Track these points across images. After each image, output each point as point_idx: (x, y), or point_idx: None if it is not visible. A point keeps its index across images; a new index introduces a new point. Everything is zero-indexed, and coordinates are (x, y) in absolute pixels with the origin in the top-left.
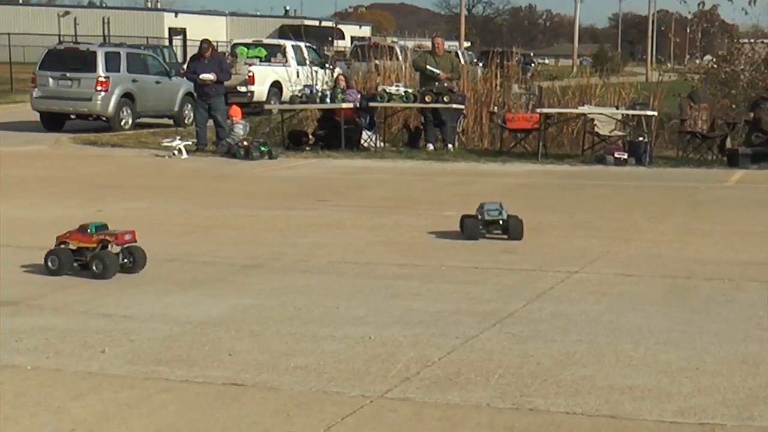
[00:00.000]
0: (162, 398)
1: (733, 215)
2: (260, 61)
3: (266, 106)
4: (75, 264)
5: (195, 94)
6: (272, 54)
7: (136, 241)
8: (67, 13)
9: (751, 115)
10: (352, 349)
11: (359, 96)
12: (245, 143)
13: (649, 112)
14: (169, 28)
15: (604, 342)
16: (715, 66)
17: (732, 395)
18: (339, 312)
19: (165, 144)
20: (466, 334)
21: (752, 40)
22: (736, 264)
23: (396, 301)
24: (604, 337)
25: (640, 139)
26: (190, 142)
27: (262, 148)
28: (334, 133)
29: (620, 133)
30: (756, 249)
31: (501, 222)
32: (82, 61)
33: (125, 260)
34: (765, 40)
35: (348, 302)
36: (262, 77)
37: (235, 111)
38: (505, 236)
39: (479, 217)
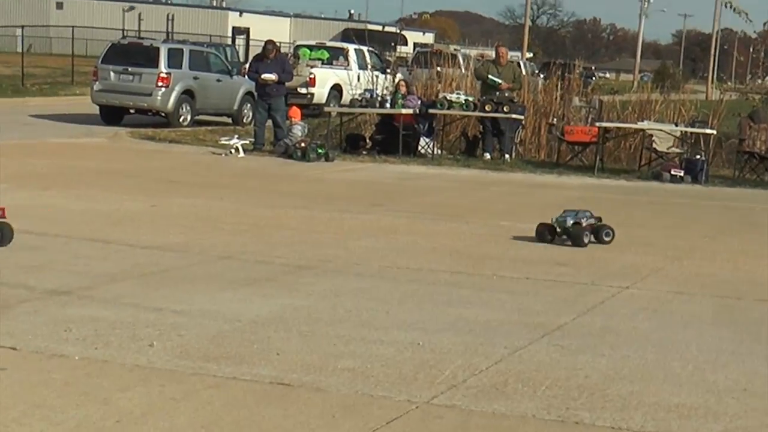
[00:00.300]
0: (208, 394)
1: None
2: (322, 63)
3: (326, 109)
4: None
5: (256, 94)
6: (334, 57)
7: (5, 218)
8: (132, 8)
9: None
10: (400, 354)
11: (419, 102)
12: (303, 144)
13: (708, 131)
14: (233, 27)
15: (653, 359)
16: None
17: None
18: (389, 316)
19: (222, 142)
20: (514, 345)
21: None
22: None
23: (447, 309)
24: (653, 354)
25: (698, 157)
26: (247, 141)
27: (320, 150)
28: (392, 138)
29: (678, 151)
30: None
31: (566, 228)
32: (145, 56)
33: None
34: None
35: (398, 307)
36: (323, 79)
37: (295, 112)
38: (570, 242)
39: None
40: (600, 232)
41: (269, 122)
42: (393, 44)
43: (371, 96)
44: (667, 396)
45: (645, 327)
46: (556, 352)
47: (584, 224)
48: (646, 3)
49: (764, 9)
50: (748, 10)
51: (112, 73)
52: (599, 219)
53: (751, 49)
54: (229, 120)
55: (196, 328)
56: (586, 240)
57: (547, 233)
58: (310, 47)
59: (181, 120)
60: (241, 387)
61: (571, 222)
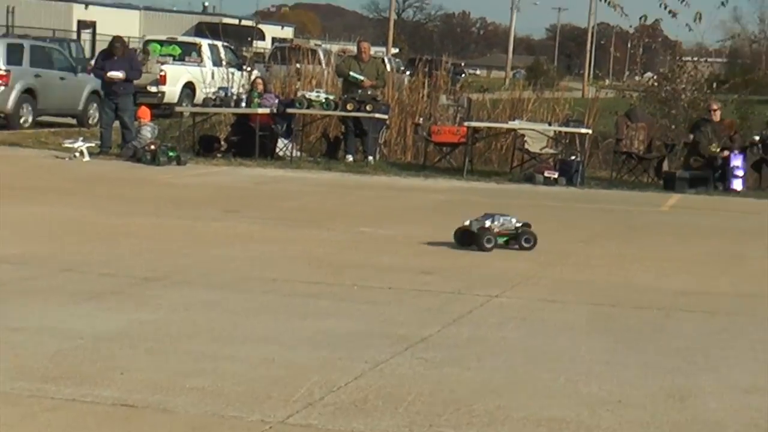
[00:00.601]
0: (46, 418)
1: (666, 241)
2: (173, 59)
3: (177, 109)
4: None
5: (102, 93)
6: (187, 53)
7: None
8: None
9: (691, 137)
10: (253, 370)
11: (277, 101)
12: (152, 147)
13: (583, 130)
14: (78, 21)
15: (523, 371)
16: (656, 84)
17: (655, 430)
18: (242, 331)
19: (66, 145)
20: (376, 359)
21: (695, 59)
22: (666, 292)
23: (303, 321)
24: (523, 366)
25: (573, 158)
26: (93, 144)
27: (171, 153)
28: (249, 139)
29: (551, 151)
30: (688, 277)
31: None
32: None
33: None
34: (709, 59)
35: (252, 320)
36: (175, 77)
37: (144, 112)
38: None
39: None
40: (520, 238)
41: (116, 123)
42: (249, 39)
43: (226, 95)
44: (537, 409)
45: (514, 337)
46: (420, 366)
47: (497, 229)
48: None
49: (640, 2)
50: (624, 3)
51: None
52: (526, 225)
53: (628, 45)
54: (74, 121)
55: (34, 347)
56: (488, 245)
57: (458, 234)
58: (161, 42)
59: (21, 121)
60: (82, 409)
61: (477, 226)
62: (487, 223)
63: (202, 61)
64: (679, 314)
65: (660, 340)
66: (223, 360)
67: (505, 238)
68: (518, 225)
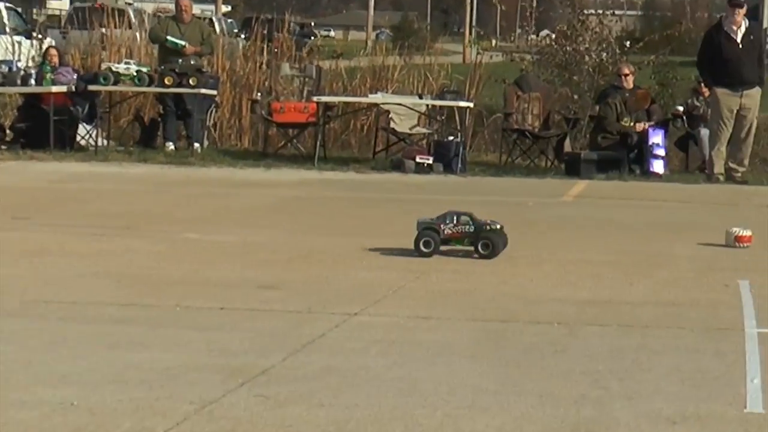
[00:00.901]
0: None
1: (570, 239)
2: None
3: None
4: None
5: None
6: None
7: None
8: None
9: (597, 108)
10: (47, 419)
11: (75, 76)
12: None
13: (463, 103)
14: None
15: (390, 406)
16: (553, 44)
17: None
18: (32, 368)
19: None
20: (203, 398)
21: (601, 12)
22: (571, 303)
23: (112, 354)
24: (390, 400)
25: (451, 138)
26: None
27: None
28: (41, 126)
29: (424, 131)
30: (597, 284)
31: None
32: None
33: None
34: (618, 12)
35: (45, 355)
36: None
37: None
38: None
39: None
40: (477, 243)
41: None
42: None
43: (10, 69)
44: None
45: (379, 365)
46: (260, 405)
47: (448, 230)
48: None
49: None
50: None
51: None
52: (492, 227)
53: None
54: None
55: None
56: (426, 249)
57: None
58: None
59: None
60: None
61: (423, 226)
62: (440, 224)
63: None
64: (586, 329)
65: (563, 362)
66: (9, 407)
67: (460, 242)
68: (477, 227)
